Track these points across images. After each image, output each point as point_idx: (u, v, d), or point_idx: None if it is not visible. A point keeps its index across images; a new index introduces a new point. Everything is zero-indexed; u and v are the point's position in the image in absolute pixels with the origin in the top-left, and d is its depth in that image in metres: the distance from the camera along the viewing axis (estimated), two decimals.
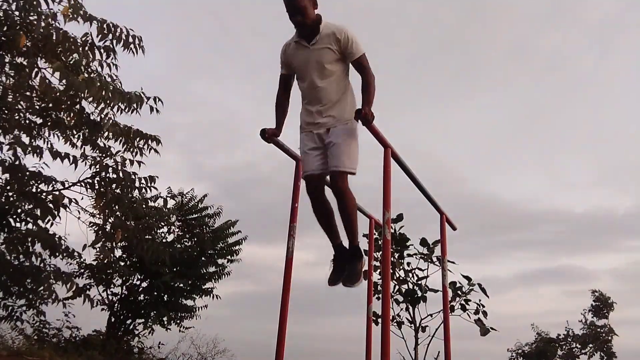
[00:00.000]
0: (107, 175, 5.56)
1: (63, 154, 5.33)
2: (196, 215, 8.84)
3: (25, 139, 5.27)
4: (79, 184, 5.57)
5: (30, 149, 5.27)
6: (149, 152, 5.61)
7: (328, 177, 3.12)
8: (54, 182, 5.50)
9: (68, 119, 5.34)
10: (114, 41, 5.08)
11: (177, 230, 8.81)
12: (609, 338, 17.20)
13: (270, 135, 3.23)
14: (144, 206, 5.71)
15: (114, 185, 5.55)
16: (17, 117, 5.12)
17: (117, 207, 5.74)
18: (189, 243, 8.73)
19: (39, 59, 4.97)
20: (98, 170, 5.55)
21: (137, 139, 5.51)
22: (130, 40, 5.09)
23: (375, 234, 5.00)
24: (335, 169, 2.95)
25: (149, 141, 5.59)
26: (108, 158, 5.57)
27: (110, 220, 5.69)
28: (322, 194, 3.15)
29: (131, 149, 5.54)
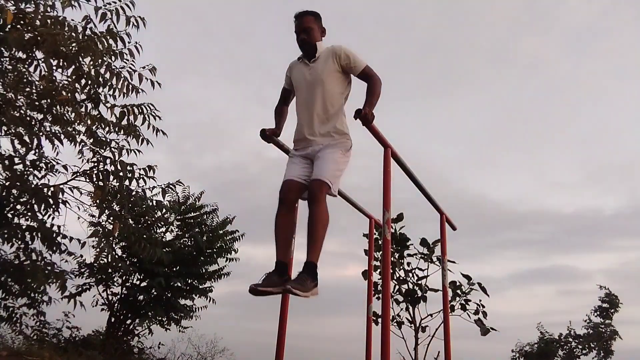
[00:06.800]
0: (105, 167, 5.37)
1: (63, 138, 5.22)
2: (194, 214, 8.84)
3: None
4: (78, 176, 5.43)
5: (32, 143, 5.18)
6: (150, 129, 5.30)
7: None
8: (55, 169, 5.37)
9: (70, 112, 5.22)
10: (115, 17, 4.80)
11: (176, 230, 8.80)
12: (613, 337, 17.08)
13: (270, 135, 3.29)
14: (139, 195, 5.48)
15: (111, 177, 5.34)
16: (16, 114, 5.05)
17: (115, 199, 5.54)
18: (188, 242, 8.71)
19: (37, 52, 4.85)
20: (96, 162, 5.38)
21: (134, 117, 5.21)
22: (129, 14, 4.82)
23: (375, 234, 5.00)
24: (317, 177, 2.89)
25: (146, 116, 5.26)
26: (107, 149, 5.36)
27: (106, 212, 5.53)
28: (294, 204, 3.09)
29: (129, 132, 5.26)
